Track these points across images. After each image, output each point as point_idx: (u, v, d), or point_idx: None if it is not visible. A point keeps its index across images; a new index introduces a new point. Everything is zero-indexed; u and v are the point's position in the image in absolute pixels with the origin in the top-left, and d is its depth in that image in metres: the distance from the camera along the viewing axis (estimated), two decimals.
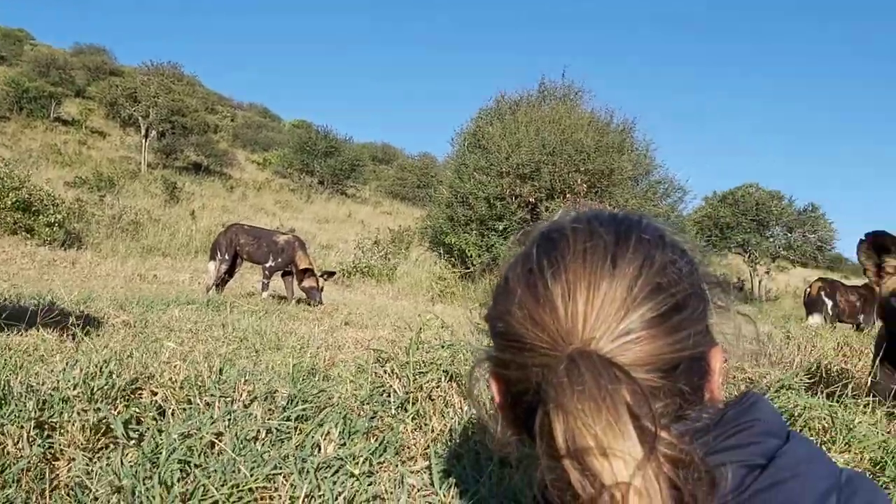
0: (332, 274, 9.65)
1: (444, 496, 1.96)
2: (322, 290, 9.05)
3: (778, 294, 25.36)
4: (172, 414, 2.37)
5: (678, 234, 0.87)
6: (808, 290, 10.05)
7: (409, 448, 2.37)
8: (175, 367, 2.62)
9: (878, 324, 3.62)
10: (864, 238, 3.15)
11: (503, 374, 0.81)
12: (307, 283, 8.97)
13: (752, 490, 0.75)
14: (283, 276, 9.37)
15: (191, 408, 2.37)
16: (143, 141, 28.74)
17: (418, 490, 2.02)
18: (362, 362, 2.95)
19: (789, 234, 24.90)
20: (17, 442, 2.10)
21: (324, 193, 31.31)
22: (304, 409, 2.34)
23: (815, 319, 9.22)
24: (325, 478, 1.95)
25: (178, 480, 1.90)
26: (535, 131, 14.99)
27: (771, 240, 25.05)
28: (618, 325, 0.74)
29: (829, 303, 9.47)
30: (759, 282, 25.15)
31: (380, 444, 2.24)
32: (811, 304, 9.72)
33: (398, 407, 2.56)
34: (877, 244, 3.13)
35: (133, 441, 2.19)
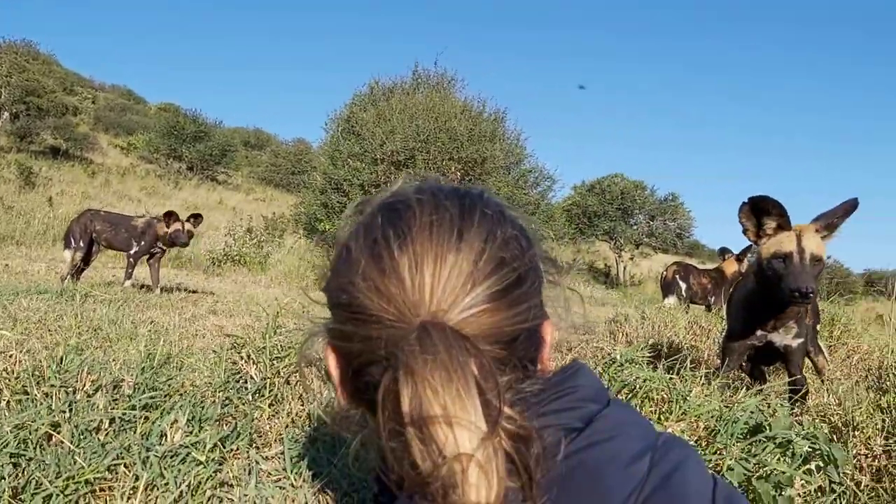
0: (198, 217, 9.09)
1: (296, 480, 1.94)
2: (191, 235, 8.71)
3: (641, 279, 26.57)
4: (7, 406, 2.23)
5: (514, 210, 0.89)
6: (665, 273, 10.60)
7: (264, 434, 2.33)
8: (11, 357, 2.46)
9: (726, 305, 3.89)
10: (745, 202, 3.33)
11: (343, 346, 0.80)
12: (173, 226, 8.63)
13: (567, 451, 0.77)
14: (148, 260, 8.95)
15: (27, 399, 2.23)
16: None
17: (269, 475, 1.98)
18: (217, 349, 2.87)
19: (651, 222, 26.14)
20: None
21: (193, 180, 30.21)
22: (151, 398, 2.25)
23: (671, 301, 9.74)
24: (171, 466, 1.88)
25: (9, 475, 1.78)
26: (410, 118, 15.01)
27: (634, 227, 26.21)
28: (464, 298, 0.74)
29: (684, 285, 10.03)
30: (624, 267, 26.27)
31: (232, 431, 2.18)
32: (667, 287, 10.26)
33: (255, 393, 2.50)
34: (756, 207, 3.32)
35: None
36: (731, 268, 10.30)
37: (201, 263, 13.97)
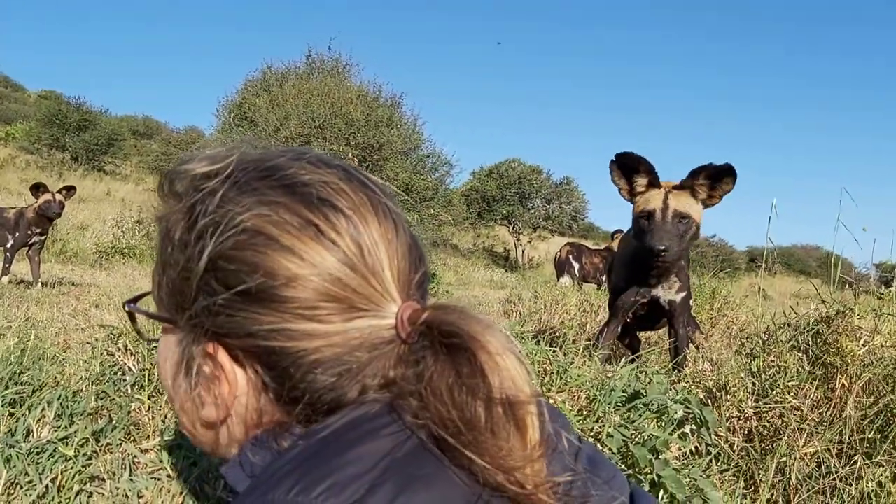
0: (71, 189, 8.61)
1: (172, 471, 1.88)
2: (62, 206, 8.25)
3: (539, 262, 27.13)
4: None
5: None
6: (558, 254, 10.89)
7: (143, 426, 2.25)
8: None
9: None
10: (613, 160, 3.35)
11: (287, 345, 0.74)
12: (42, 198, 8.18)
13: None
14: (27, 253, 8.45)
15: None
16: None
17: (146, 467, 1.92)
18: (92, 341, 2.75)
19: (548, 206, 26.71)
20: None
21: (78, 170, 28.83)
22: (17, 394, 2.13)
23: (565, 280, 10.02)
24: (36, 462, 1.79)
25: None
26: (304, 104, 14.78)
27: (532, 211, 26.72)
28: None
29: (576, 265, 10.33)
30: (523, 251, 26.76)
31: (107, 424, 2.10)
32: (560, 267, 10.54)
33: (132, 385, 2.41)
34: (625, 165, 3.35)
35: None
36: None
37: (88, 257, 13.38)
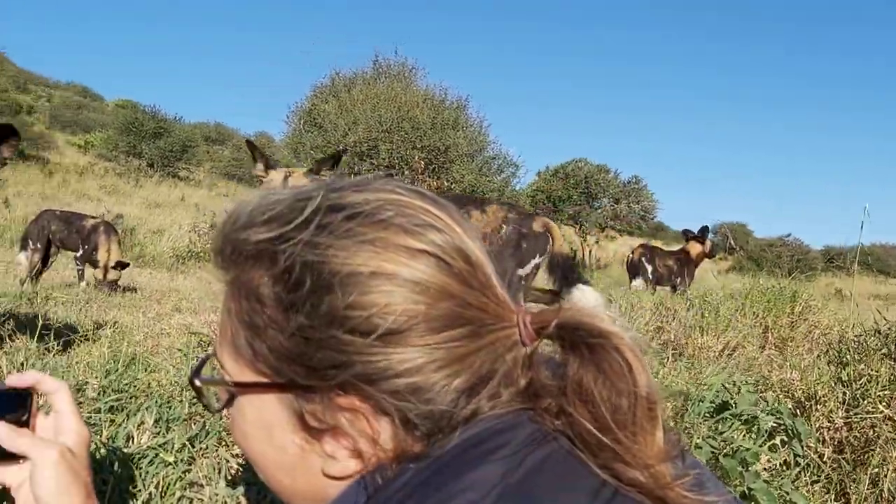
0: (124, 265, 8.75)
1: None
2: (116, 283, 8.46)
3: (607, 262, 26.80)
4: None
5: None
6: (631, 255, 10.72)
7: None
8: None
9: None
10: (247, 140, 3.78)
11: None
12: (110, 275, 8.46)
13: None
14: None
15: None
16: None
17: (239, 473, 1.97)
18: (183, 347, 2.84)
19: (616, 205, 26.33)
20: None
21: (154, 177, 29.75)
22: (116, 400, 2.22)
23: (637, 283, 9.86)
24: (139, 468, 1.86)
25: None
26: (372, 108, 14.96)
27: (599, 211, 26.39)
28: None
29: (650, 267, 10.14)
30: (590, 251, 26.47)
31: (201, 430, 2.16)
32: (633, 269, 10.38)
33: None
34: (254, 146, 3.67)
35: None
36: (695, 249, 10.45)
37: (165, 261, 13.78)
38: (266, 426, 0.78)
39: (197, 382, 0.83)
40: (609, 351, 0.72)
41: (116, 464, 1.84)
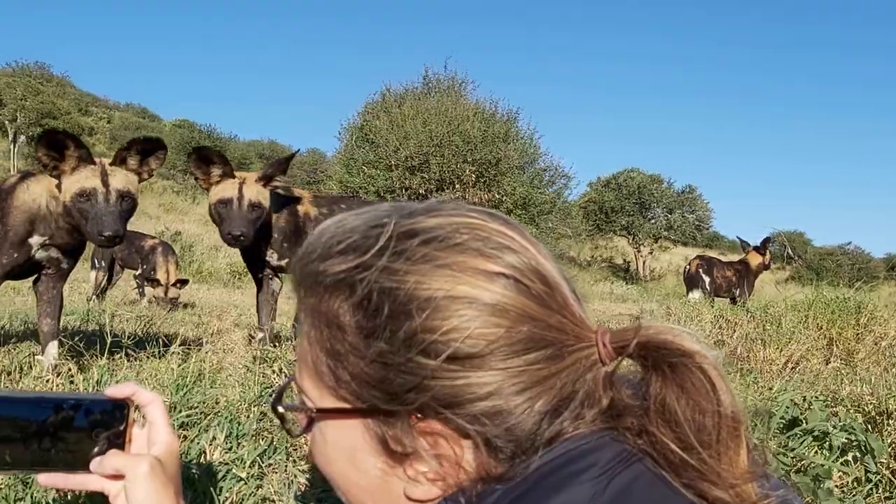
0: (184, 283, 9.01)
1: (335, 493, 1.95)
2: (176, 300, 8.65)
3: (661, 273, 26.45)
4: None
5: None
6: (688, 267, 10.54)
7: (300, 447, 2.35)
8: (48, 381, 2.50)
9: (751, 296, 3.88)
10: (191, 152, 3.80)
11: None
12: (156, 290, 8.66)
13: None
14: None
15: None
16: (12, 147, 27.15)
17: (309, 488, 2.00)
18: (249, 363, 2.90)
19: (670, 215, 26.02)
20: None
21: None
22: (188, 416, 2.27)
23: (695, 295, 9.67)
24: (213, 484, 1.90)
25: (53, 501, 1.81)
26: (423, 123, 15.05)
27: (652, 221, 26.11)
28: None
29: (707, 279, 9.96)
30: (644, 262, 26.17)
31: (269, 446, 2.20)
32: (690, 281, 10.20)
33: None
34: (203, 157, 3.74)
35: None
36: (755, 259, 10.25)
37: (221, 277, 14.06)
38: (348, 450, 0.79)
39: (280, 409, 0.84)
40: (692, 370, 0.71)
41: (192, 479, 1.88)
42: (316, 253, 0.79)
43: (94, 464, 0.92)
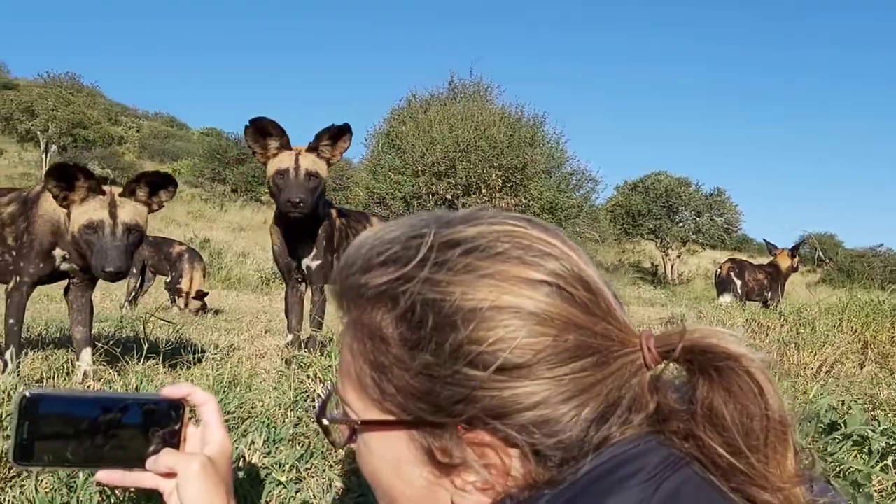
0: (202, 295, 8.98)
1: (373, 497, 1.96)
2: (200, 310, 8.70)
3: (690, 276, 26.22)
4: None
5: None
6: (719, 270, 10.43)
7: (338, 452, 2.36)
8: (89, 387, 2.54)
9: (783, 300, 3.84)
10: (247, 125, 3.70)
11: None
12: (190, 304, 8.75)
13: None
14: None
15: None
16: (44, 156, 27.68)
17: (347, 492, 2.02)
18: (283, 369, 2.92)
19: (698, 218, 25.78)
20: None
21: (238, 201, 30.68)
22: (226, 421, 2.30)
23: (726, 298, 9.56)
24: (253, 488, 1.93)
25: (99, 503, 1.84)
26: (449, 129, 15.09)
27: (680, 224, 25.88)
28: None
29: (739, 282, 9.84)
30: (672, 266, 25.95)
31: (306, 450, 2.22)
32: (721, 284, 10.08)
33: None
34: (258, 128, 3.70)
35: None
36: (785, 262, 10.11)
37: (250, 283, 14.16)
38: (393, 460, 0.78)
39: (325, 421, 0.85)
40: (739, 373, 0.71)
41: (234, 484, 1.90)
42: (356, 266, 0.79)
43: (150, 462, 0.95)
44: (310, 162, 3.68)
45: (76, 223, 3.11)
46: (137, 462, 0.95)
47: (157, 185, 3.27)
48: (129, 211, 3.16)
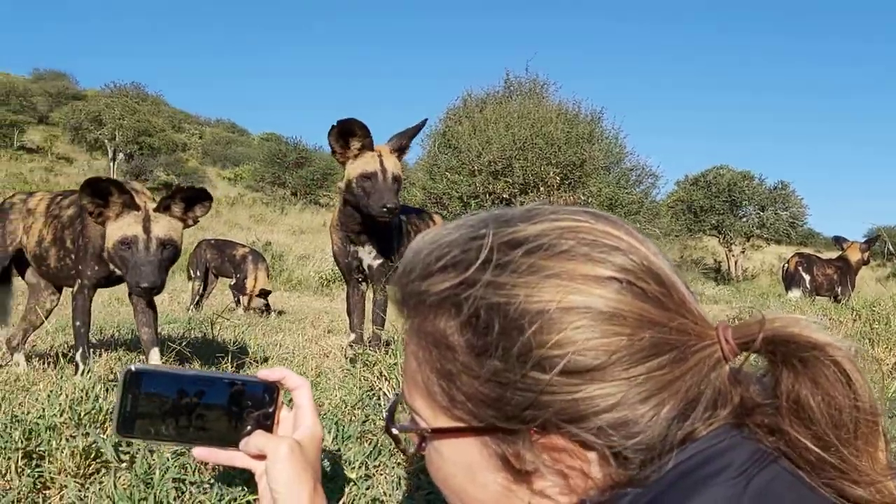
0: (266, 293, 9.13)
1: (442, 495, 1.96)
2: (264, 310, 8.84)
3: (754, 272, 25.62)
4: None
5: None
6: (786, 265, 10.18)
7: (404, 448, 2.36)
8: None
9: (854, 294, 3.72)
10: (334, 125, 3.64)
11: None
12: (253, 303, 8.89)
13: None
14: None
15: None
16: (111, 164, 28.55)
17: (416, 490, 2.01)
18: (349, 367, 2.94)
19: (762, 213, 25.13)
20: (6, 474, 2.07)
21: (297, 204, 31.16)
22: None
23: (795, 294, 9.33)
24: (324, 485, 1.94)
25: (175, 499, 1.87)
26: (505, 127, 15.01)
27: (744, 219, 25.28)
28: None
29: (807, 277, 9.59)
30: (735, 262, 25.39)
31: (374, 448, 2.23)
32: (790, 279, 9.84)
33: None
34: (344, 129, 3.65)
35: (125, 464, 2.16)
36: (855, 255, 9.81)
37: (311, 284, 14.34)
38: (465, 467, 0.77)
39: (394, 430, 0.85)
40: (825, 363, 0.68)
41: None
42: (416, 272, 0.77)
43: (242, 443, 0.97)
44: (393, 164, 3.68)
45: (111, 239, 3.12)
46: (231, 442, 0.97)
47: (192, 200, 3.25)
48: (164, 226, 3.15)
